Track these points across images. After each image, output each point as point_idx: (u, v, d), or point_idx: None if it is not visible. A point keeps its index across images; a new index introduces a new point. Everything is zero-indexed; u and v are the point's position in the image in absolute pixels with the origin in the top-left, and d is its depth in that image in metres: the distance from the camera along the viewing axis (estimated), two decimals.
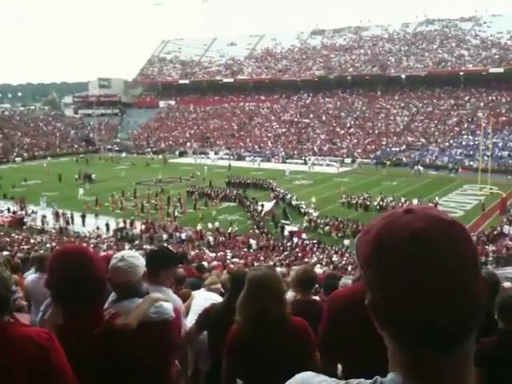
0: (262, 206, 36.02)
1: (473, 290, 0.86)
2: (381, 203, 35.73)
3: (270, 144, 66.93)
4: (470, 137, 56.94)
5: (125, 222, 33.29)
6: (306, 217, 33.60)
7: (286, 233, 31.47)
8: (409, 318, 0.85)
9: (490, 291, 3.67)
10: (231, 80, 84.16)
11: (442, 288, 0.84)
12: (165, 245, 21.52)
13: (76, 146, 77.06)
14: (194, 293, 5.03)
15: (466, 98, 64.77)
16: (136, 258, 2.80)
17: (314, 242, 29.22)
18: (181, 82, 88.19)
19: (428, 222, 0.87)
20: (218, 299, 4.42)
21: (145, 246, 26.97)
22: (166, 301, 2.94)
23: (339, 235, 30.88)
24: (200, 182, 46.05)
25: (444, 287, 0.84)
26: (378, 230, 0.90)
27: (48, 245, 23.76)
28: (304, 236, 30.65)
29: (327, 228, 31.87)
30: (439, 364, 0.87)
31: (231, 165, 55.82)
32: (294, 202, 37.53)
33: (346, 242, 28.77)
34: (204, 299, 4.50)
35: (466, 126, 59.74)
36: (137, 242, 30.26)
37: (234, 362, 2.88)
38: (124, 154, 69.31)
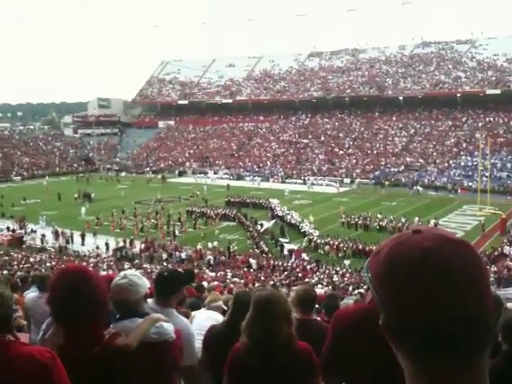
0: (262, 225, 36.08)
1: (485, 305, 0.87)
2: (380, 223, 35.72)
3: (269, 164, 67.15)
4: (469, 157, 57.19)
5: (124, 242, 33.21)
6: (305, 237, 33.49)
7: (285, 252, 31.42)
8: (423, 336, 0.86)
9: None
10: (230, 101, 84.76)
11: (454, 303, 0.85)
12: (171, 267, 21.50)
13: (75, 166, 77.27)
14: (193, 313, 4.99)
15: (464, 119, 65.21)
16: (138, 278, 2.81)
17: (311, 260, 29.17)
18: (180, 102, 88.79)
19: (436, 242, 0.89)
20: (219, 318, 4.38)
21: (144, 265, 26.91)
22: (167, 321, 2.93)
23: (339, 255, 30.81)
24: (199, 201, 46.09)
25: (456, 302, 0.85)
26: (389, 250, 0.92)
27: (47, 264, 23.68)
28: (304, 256, 30.57)
29: (327, 248, 31.79)
30: (457, 381, 0.88)
31: (230, 184, 55.94)
32: (293, 222, 37.50)
33: (347, 262, 28.69)
34: (205, 319, 4.46)
35: (464, 146, 60.04)
36: (136, 261, 30.16)
37: (235, 382, 2.85)
38: (123, 174, 69.49)
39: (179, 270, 4.48)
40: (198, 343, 3.89)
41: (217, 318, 4.34)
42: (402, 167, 59.24)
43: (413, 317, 0.87)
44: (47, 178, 65.73)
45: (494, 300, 0.91)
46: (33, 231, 37.15)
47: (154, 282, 3.59)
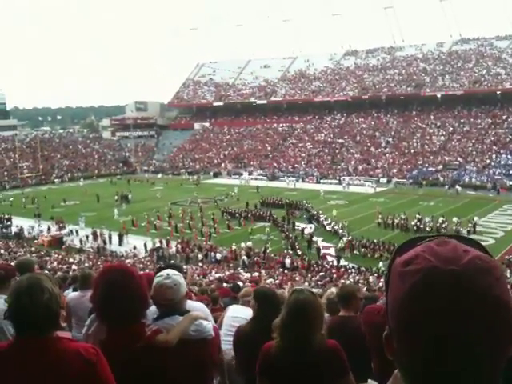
0: (303, 230, 35.88)
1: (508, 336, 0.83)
2: (418, 224, 35.13)
3: (303, 164, 66.92)
4: (509, 156, 55.70)
5: (161, 242, 33.67)
6: (341, 239, 33.16)
7: (319, 250, 31.48)
8: (431, 369, 0.83)
9: None
10: (265, 101, 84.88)
11: (480, 320, 0.81)
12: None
13: (113, 168, 78.77)
14: (227, 308, 5.03)
15: (504, 117, 63.49)
16: (180, 276, 2.86)
17: (333, 257, 29.84)
18: (215, 104, 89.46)
19: (466, 266, 0.84)
20: (247, 314, 4.37)
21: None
22: (205, 319, 2.97)
23: (376, 256, 30.44)
24: (234, 202, 46.31)
25: (485, 320, 0.81)
26: (422, 269, 0.85)
27: (86, 264, 24.23)
28: (330, 251, 30.69)
29: (363, 250, 31.44)
30: None
31: (264, 185, 56.05)
32: (326, 223, 37.26)
33: (381, 264, 28.32)
34: (232, 317, 4.46)
35: (504, 145, 58.49)
36: (172, 261, 30.50)
37: (268, 380, 2.86)
38: (160, 175, 70.46)
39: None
40: (227, 345, 3.91)
41: (245, 315, 4.33)
42: (441, 166, 58.11)
43: (425, 351, 0.83)
44: (82, 179, 67.41)
45: None
46: (72, 233, 38.07)
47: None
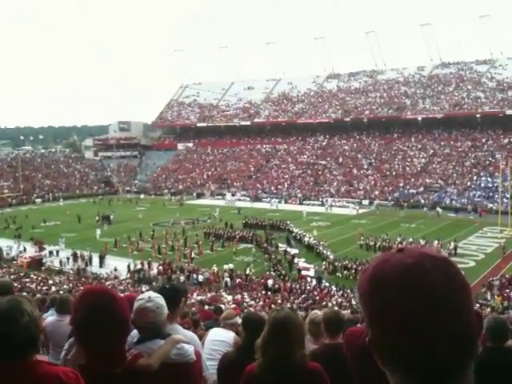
0: (285, 251, 35.78)
1: (466, 319, 0.91)
2: (399, 246, 35.32)
3: (286, 185, 67.19)
4: (489, 179, 56.57)
5: (142, 264, 33.32)
6: (324, 262, 33.15)
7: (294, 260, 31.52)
8: (408, 351, 0.89)
9: (497, 336, 3.78)
10: (248, 123, 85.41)
11: (436, 318, 0.88)
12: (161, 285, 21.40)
13: (95, 188, 78.20)
14: (208, 331, 4.96)
15: (484, 140, 64.66)
16: (161, 299, 2.83)
17: (312, 277, 29.93)
18: (199, 125, 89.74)
19: (417, 259, 0.93)
20: (231, 339, 4.30)
21: None
22: (187, 342, 2.94)
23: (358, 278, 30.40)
24: (217, 223, 46.19)
25: (438, 316, 0.88)
26: (373, 269, 0.96)
27: (65, 286, 23.84)
28: (309, 272, 30.87)
29: (346, 271, 31.45)
30: None
31: (247, 207, 56.09)
32: (311, 244, 37.30)
33: None
34: (212, 340, 4.38)
35: (484, 167, 59.46)
36: (154, 283, 30.17)
37: None
38: (142, 196, 70.09)
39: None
40: (210, 369, 3.84)
41: (229, 340, 4.26)
42: (422, 188, 58.79)
43: (398, 332, 0.89)
44: (62, 200, 66.86)
45: (476, 315, 0.94)
46: (52, 253, 37.50)
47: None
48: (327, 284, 29.34)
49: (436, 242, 35.51)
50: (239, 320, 5.51)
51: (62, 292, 15.95)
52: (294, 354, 2.66)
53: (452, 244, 35.40)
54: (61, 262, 35.45)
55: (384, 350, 0.93)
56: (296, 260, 33.64)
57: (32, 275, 29.56)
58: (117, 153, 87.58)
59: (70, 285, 24.97)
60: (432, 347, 0.88)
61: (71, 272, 33.91)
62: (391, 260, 0.95)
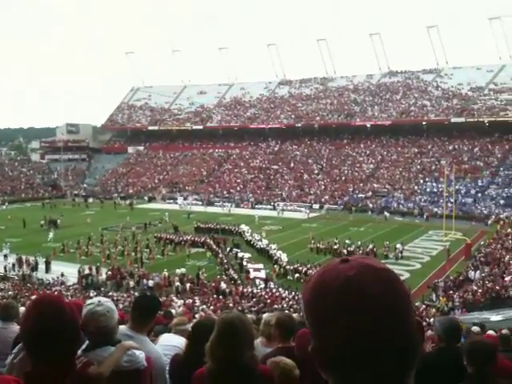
0: (236, 254, 35.78)
1: (408, 330, 0.91)
2: (349, 249, 36.02)
3: (238, 190, 67.29)
4: (434, 184, 58.50)
5: (90, 269, 32.56)
6: (275, 265, 33.37)
7: (251, 275, 31.52)
8: (347, 361, 0.90)
9: (452, 336, 3.81)
10: (201, 127, 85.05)
11: (374, 327, 0.89)
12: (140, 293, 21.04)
13: (42, 192, 75.83)
14: (159, 336, 4.91)
15: (429, 147, 66.84)
16: (111, 303, 2.79)
17: (261, 279, 30.43)
18: (150, 128, 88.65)
19: (359, 270, 0.93)
20: (180, 342, 4.27)
21: (110, 293, 26.37)
22: (138, 349, 2.91)
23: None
24: (168, 227, 45.72)
25: (376, 327, 0.89)
26: (316, 278, 0.96)
27: (10, 292, 23.04)
28: (260, 274, 31.25)
29: (297, 275, 31.75)
30: None
31: (196, 211, 55.90)
32: (262, 247, 37.48)
33: None
34: (163, 345, 4.33)
35: (429, 173, 61.44)
36: (102, 288, 29.57)
37: None
38: (91, 200, 68.52)
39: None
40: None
41: (180, 345, 4.24)
42: (370, 193, 60.16)
43: (336, 343, 0.90)
44: (7, 204, 64.53)
45: (417, 324, 0.95)
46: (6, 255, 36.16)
47: (135, 304, 3.54)
48: (275, 286, 29.54)
49: (385, 243, 36.52)
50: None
51: (6, 299, 15.39)
52: (243, 355, 2.63)
53: (398, 246, 36.38)
54: (5, 268, 34.20)
55: (324, 360, 0.93)
56: (245, 262, 33.75)
57: None
58: (65, 156, 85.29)
59: (15, 291, 24.15)
60: (369, 360, 0.89)
61: (16, 278, 32.76)
62: (334, 270, 0.95)
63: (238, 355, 2.63)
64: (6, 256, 36.34)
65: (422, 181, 60.35)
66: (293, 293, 27.54)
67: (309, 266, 32.05)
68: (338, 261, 0.99)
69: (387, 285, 0.93)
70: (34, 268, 34.09)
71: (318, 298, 0.94)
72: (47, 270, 34.08)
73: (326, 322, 0.92)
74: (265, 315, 5.20)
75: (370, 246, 35.99)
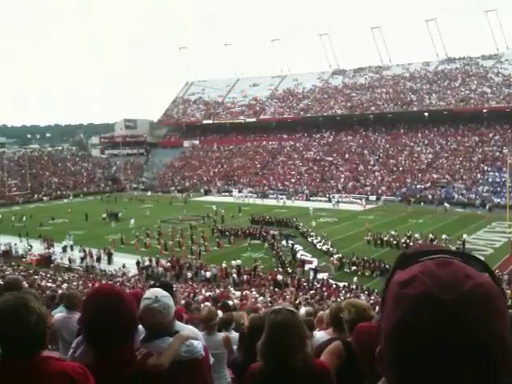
0: (294, 249, 35.67)
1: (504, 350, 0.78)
2: (407, 241, 35.23)
3: (293, 182, 67.12)
4: (497, 173, 56.25)
5: (150, 260, 33.42)
6: (331, 257, 33.09)
7: (306, 268, 31.45)
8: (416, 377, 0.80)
9: None
10: (254, 120, 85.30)
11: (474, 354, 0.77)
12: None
13: (102, 186, 78.45)
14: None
15: (491, 135, 64.28)
16: (168, 298, 2.79)
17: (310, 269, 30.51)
18: (204, 122, 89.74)
19: (472, 287, 0.80)
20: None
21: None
22: (195, 339, 2.91)
23: (366, 274, 30.40)
24: (226, 219, 46.21)
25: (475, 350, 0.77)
26: (421, 285, 0.82)
27: (74, 283, 23.96)
28: (311, 266, 31.23)
29: (354, 267, 31.39)
30: None
31: (251, 203, 56.17)
32: (315, 241, 37.21)
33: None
34: None
35: (491, 162, 59.13)
36: (162, 279, 30.25)
37: None
38: (149, 193, 70.26)
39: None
40: None
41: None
42: (429, 184, 58.54)
43: (407, 355, 0.80)
44: (71, 197, 67.41)
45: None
46: (65, 249, 37.62)
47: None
48: (323, 277, 29.43)
49: (444, 236, 35.48)
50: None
51: (71, 289, 16.01)
52: (293, 358, 2.59)
53: (465, 236, 35.35)
54: (69, 260, 35.63)
55: (390, 370, 0.85)
56: (299, 254, 33.71)
57: (41, 272, 29.76)
58: (123, 150, 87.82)
59: (80, 282, 25.10)
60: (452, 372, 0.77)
61: (80, 269, 34.08)
62: (436, 295, 0.79)
63: (289, 357, 2.58)
64: (67, 248, 37.81)
65: (483, 170, 58.16)
66: (349, 286, 27.26)
67: (365, 258, 31.68)
68: (433, 264, 0.85)
69: (494, 307, 0.79)
70: (98, 259, 35.33)
71: (415, 319, 0.79)
72: (109, 261, 35.25)
73: (409, 341, 0.80)
74: (332, 305, 5.08)
75: (430, 238, 35.05)
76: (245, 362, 3.38)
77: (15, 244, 39.47)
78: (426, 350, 0.78)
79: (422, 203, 53.06)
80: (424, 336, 0.78)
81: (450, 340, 0.77)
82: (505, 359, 0.78)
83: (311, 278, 29.81)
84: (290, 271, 31.27)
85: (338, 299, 21.85)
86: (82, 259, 35.65)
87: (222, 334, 5.43)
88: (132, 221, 45.24)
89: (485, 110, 67.05)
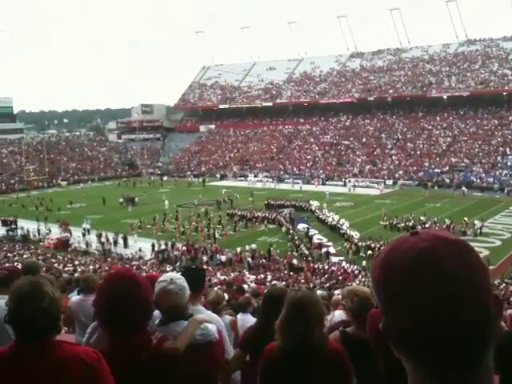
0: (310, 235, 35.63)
1: (483, 305, 0.86)
2: (424, 225, 34.96)
3: (309, 166, 66.84)
4: None
5: (166, 244, 33.67)
6: (346, 242, 33.06)
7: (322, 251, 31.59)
8: (423, 337, 0.85)
9: None
10: (270, 104, 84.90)
11: (450, 304, 0.84)
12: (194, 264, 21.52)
13: (119, 170, 78.99)
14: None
15: (510, 118, 63.16)
16: (183, 281, 2.80)
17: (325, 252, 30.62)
18: (221, 106, 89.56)
19: (432, 243, 0.88)
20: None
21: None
22: (210, 322, 2.93)
23: None
24: (240, 204, 46.28)
25: (453, 303, 0.84)
26: (385, 253, 0.92)
27: (91, 266, 24.25)
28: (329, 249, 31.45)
29: (369, 251, 31.28)
30: (462, 381, 0.86)
31: (267, 187, 56.04)
32: (333, 224, 37.14)
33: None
34: None
35: (511, 146, 58.18)
36: (178, 263, 30.51)
37: (268, 381, 2.81)
38: (166, 178, 70.58)
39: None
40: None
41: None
42: (447, 168, 57.89)
43: (411, 318, 0.86)
44: (90, 182, 68.10)
45: (495, 300, 0.89)
46: (84, 234, 37.94)
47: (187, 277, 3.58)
48: (338, 261, 29.54)
49: (466, 218, 35.22)
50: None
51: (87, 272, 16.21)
52: (312, 333, 2.64)
53: (477, 222, 34.94)
54: (87, 243, 36.04)
55: (398, 336, 0.89)
56: (315, 238, 33.75)
57: (59, 256, 30.18)
58: (140, 135, 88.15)
59: (97, 265, 25.41)
60: (445, 335, 0.84)
61: (97, 253, 34.47)
62: (404, 244, 0.91)
63: (308, 334, 2.63)
64: (86, 231, 38.16)
65: (503, 154, 57.29)
66: (365, 271, 27.18)
67: (382, 242, 31.50)
68: (408, 234, 0.94)
69: (462, 256, 0.87)
70: (115, 243, 35.69)
71: (388, 272, 0.89)
72: (125, 245, 35.59)
73: (397, 296, 0.87)
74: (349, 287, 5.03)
75: (447, 222, 34.75)
76: (259, 332, 3.40)
77: (34, 228, 39.99)
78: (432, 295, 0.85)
79: (436, 187, 52.45)
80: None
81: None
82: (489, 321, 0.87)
83: (327, 261, 29.88)
84: (307, 253, 31.29)
85: (354, 284, 21.84)
86: (101, 243, 35.98)
87: (229, 317, 5.45)
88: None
89: (505, 93, 65.84)
